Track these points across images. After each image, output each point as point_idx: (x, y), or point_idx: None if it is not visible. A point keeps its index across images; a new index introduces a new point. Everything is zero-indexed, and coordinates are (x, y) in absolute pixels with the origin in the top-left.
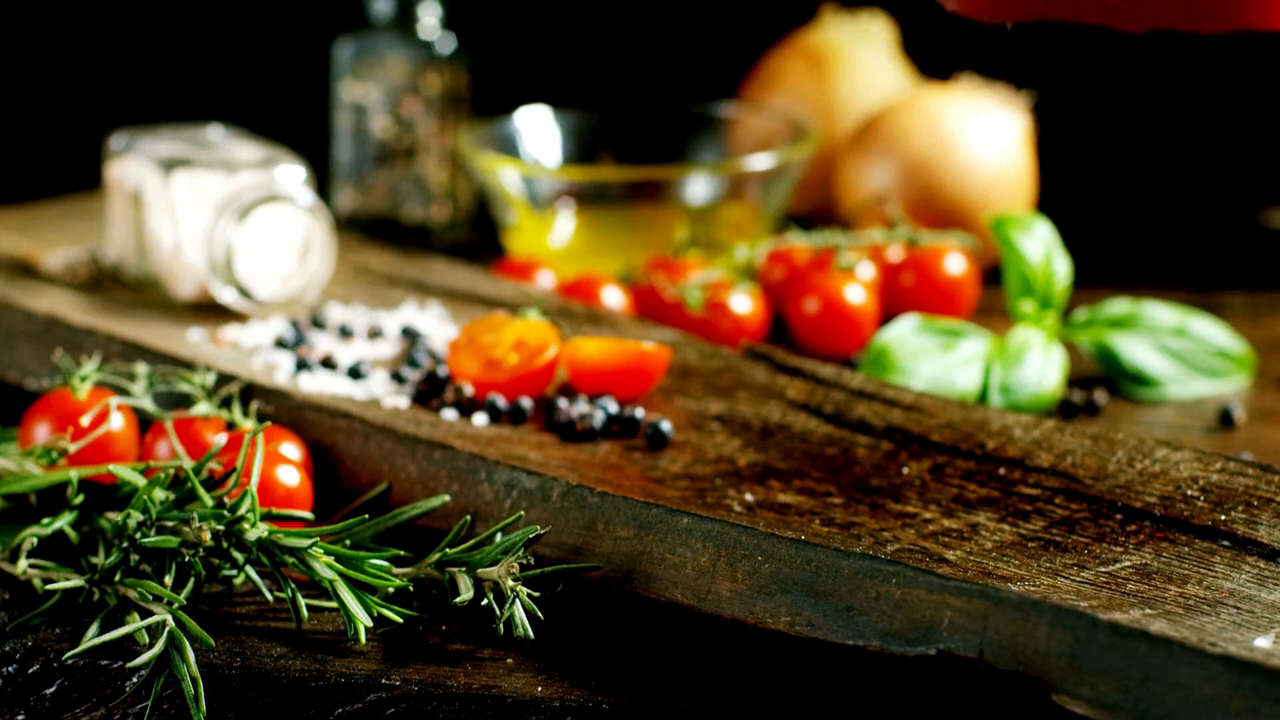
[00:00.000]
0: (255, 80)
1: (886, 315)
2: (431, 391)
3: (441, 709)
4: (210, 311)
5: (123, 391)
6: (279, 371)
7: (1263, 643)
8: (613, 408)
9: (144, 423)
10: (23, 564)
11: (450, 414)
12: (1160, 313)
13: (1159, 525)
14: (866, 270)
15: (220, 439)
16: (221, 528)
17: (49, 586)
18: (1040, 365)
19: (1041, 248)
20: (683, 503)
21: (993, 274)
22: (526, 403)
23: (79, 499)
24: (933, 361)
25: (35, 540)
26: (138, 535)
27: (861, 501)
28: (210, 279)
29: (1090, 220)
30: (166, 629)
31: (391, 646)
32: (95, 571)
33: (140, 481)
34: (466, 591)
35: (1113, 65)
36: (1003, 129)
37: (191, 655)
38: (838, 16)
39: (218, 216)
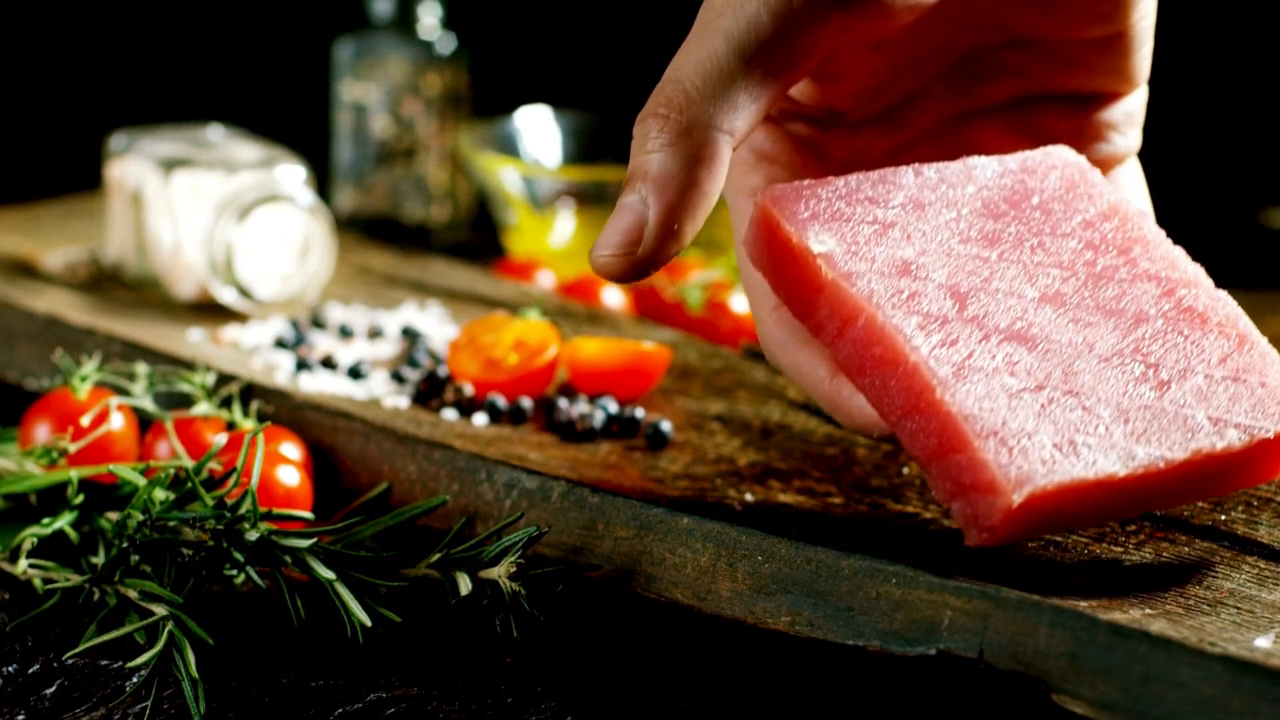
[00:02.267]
0: (255, 80)
1: None
2: (431, 391)
3: (441, 709)
4: (210, 311)
5: (123, 391)
6: (279, 371)
7: (1263, 643)
8: (613, 408)
9: (144, 423)
10: (23, 564)
11: (450, 414)
12: None
13: (1159, 525)
14: None
15: (220, 439)
16: (221, 528)
17: (49, 586)
18: None
19: None
20: (683, 503)
21: None
22: (526, 403)
23: (79, 499)
24: None
25: (35, 540)
26: (138, 535)
27: (861, 501)
28: (210, 279)
29: None
30: (166, 629)
31: (391, 646)
32: (95, 571)
33: (140, 481)
34: (466, 591)
35: None
36: None
37: (191, 655)
38: None
39: (218, 216)
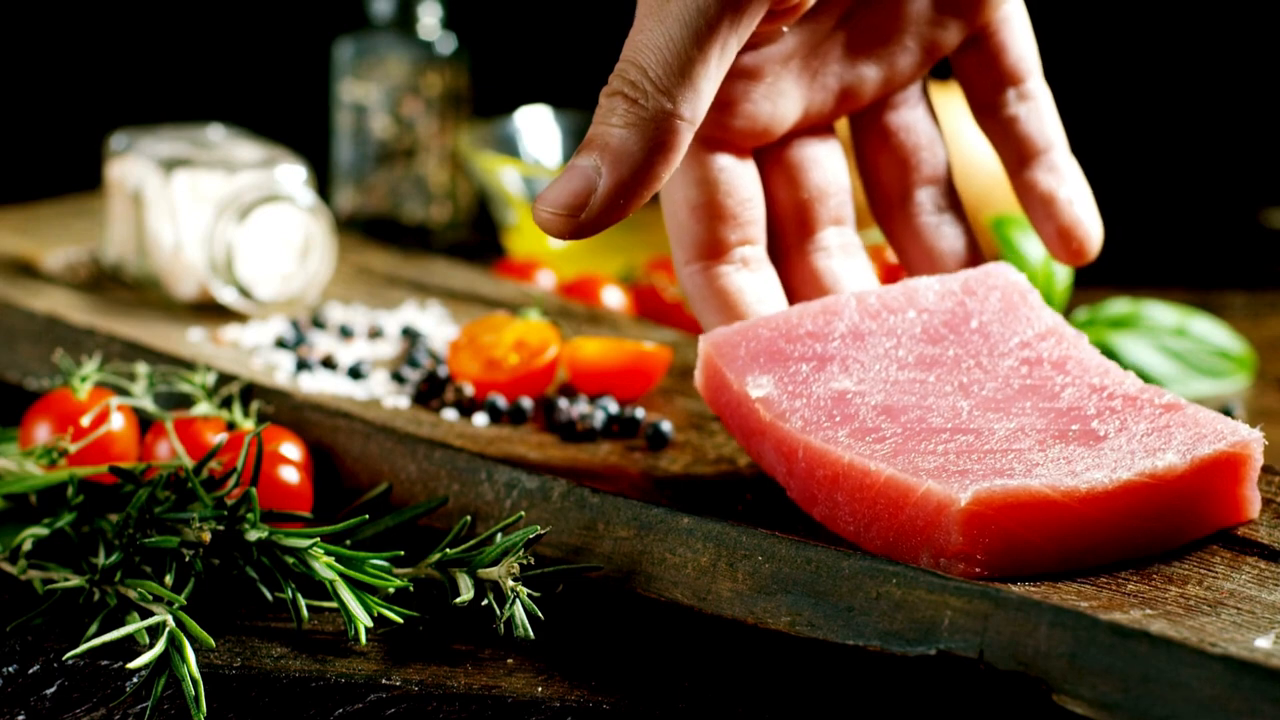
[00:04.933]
0: (255, 80)
1: None
2: (432, 391)
3: (442, 709)
4: (210, 311)
5: (123, 391)
6: (279, 371)
7: (1263, 643)
8: (613, 408)
9: (144, 423)
10: (22, 564)
11: (450, 414)
12: (1160, 313)
13: None
14: None
15: (220, 439)
16: (222, 528)
17: (49, 586)
18: None
19: (1042, 248)
20: (683, 502)
21: None
22: (527, 403)
23: (79, 499)
24: None
25: (35, 540)
26: (138, 535)
27: None
28: (210, 279)
29: None
30: (167, 629)
31: (392, 647)
32: (95, 571)
33: (140, 482)
34: (467, 592)
35: (1113, 66)
36: None
37: (192, 655)
38: None
39: (218, 216)
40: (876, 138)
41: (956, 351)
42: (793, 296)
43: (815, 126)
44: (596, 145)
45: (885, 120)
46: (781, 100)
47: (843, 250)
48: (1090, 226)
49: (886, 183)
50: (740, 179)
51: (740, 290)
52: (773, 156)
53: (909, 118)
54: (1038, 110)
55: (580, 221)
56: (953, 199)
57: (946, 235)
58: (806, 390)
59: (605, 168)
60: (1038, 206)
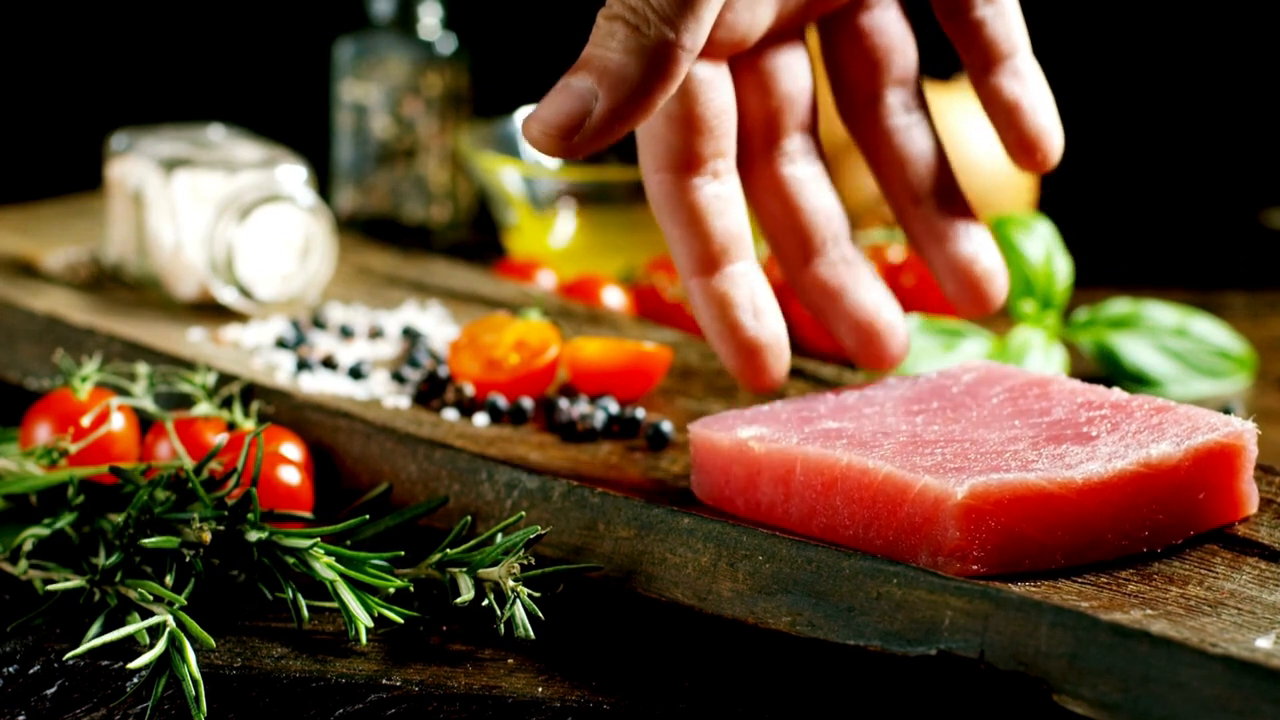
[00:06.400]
0: (255, 80)
1: None
2: (432, 392)
3: (442, 709)
4: (211, 311)
5: (123, 392)
6: (280, 371)
7: (1263, 643)
8: (613, 408)
9: (145, 423)
10: (23, 564)
11: (451, 414)
12: (1160, 313)
13: None
14: None
15: (221, 439)
16: (222, 528)
17: (49, 587)
18: (1041, 365)
19: (1042, 248)
20: (683, 502)
21: None
22: (527, 403)
23: (79, 499)
24: (934, 361)
25: (35, 541)
26: (138, 535)
27: None
28: (211, 279)
29: (1090, 220)
30: (167, 629)
31: (392, 647)
32: (96, 572)
33: (141, 482)
34: (467, 592)
35: (1113, 66)
36: None
37: (192, 656)
38: None
39: (218, 216)
40: (847, 40)
41: (942, 404)
42: (755, 203)
43: (786, 31)
44: (594, 68)
45: (858, 21)
46: (759, 7)
47: (805, 156)
48: (1053, 135)
49: (856, 85)
50: (717, 90)
51: (706, 205)
52: (745, 64)
53: (882, 19)
54: (1004, 13)
55: (572, 143)
56: (921, 100)
57: (916, 138)
58: (799, 430)
59: (602, 93)
60: (1001, 114)
